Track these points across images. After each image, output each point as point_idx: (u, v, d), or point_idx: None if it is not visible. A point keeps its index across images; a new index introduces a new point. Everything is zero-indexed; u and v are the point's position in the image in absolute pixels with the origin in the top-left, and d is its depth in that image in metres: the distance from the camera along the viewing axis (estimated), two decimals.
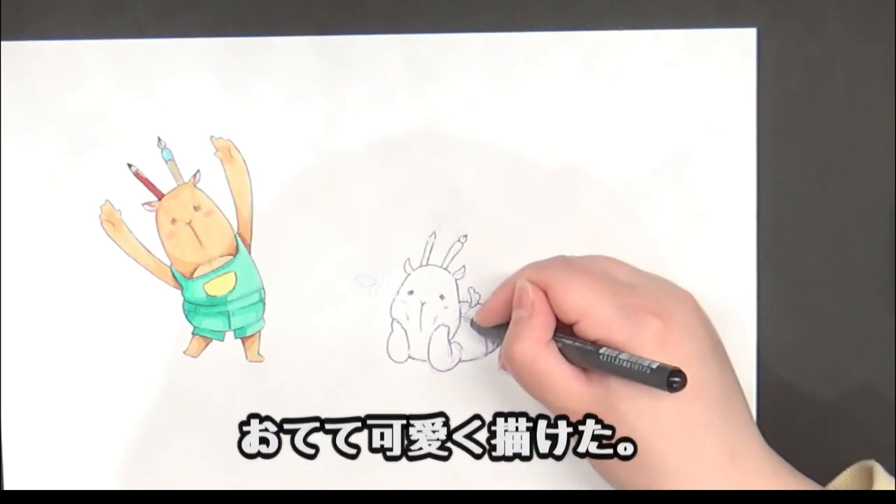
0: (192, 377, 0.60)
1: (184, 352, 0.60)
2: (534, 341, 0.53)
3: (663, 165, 0.59)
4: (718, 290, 0.59)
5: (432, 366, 0.60)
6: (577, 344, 0.53)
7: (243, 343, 0.60)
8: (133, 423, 0.60)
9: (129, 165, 0.59)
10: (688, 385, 0.48)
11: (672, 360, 0.49)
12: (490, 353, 0.60)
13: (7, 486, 0.60)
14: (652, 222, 0.59)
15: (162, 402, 0.60)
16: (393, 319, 0.60)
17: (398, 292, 0.60)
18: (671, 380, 0.48)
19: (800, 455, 0.55)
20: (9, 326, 0.59)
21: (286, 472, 0.60)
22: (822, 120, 0.59)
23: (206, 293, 0.60)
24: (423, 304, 0.60)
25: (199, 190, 0.60)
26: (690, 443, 0.51)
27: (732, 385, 0.53)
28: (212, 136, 0.59)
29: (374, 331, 0.60)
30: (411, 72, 0.59)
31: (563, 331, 0.54)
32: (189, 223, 0.60)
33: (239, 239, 0.60)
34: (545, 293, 0.54)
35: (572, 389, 0.52)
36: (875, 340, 0.60)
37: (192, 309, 0.60)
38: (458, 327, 0.60)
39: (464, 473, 0.60)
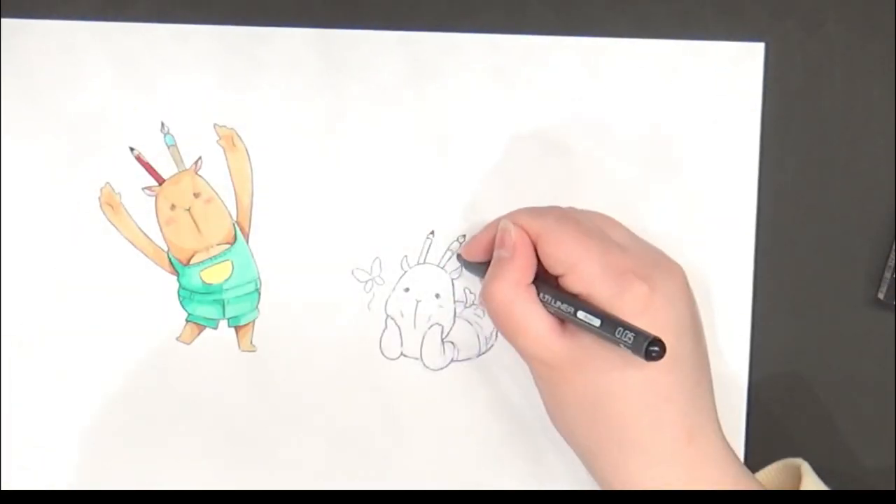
0: (185, 364, 0.60)
1: (177, 338, 0.60)
2: (512, 283, 0.52)
3: (664, 165, 0.59)
4: (716, 290, 0.59)
5: (424, 364, 0.60)
6: (557, 302, 0.52)
7: (237, 332, 0.60)
8: (124, 410, 0.60)
9: (132, 149, 0.59)
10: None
11: (650, 328, 0.48)
12: (483, 353, 0.60)
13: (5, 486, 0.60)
14: (652, 222, 0.59)
15: (154, 388, 0.60)
16: (387, 316, 0.60)
17: (394, 289, 0.60)
18: (650, 349, 0.47)
19: (798, 454, 0.55)
20: (8, 313, 0.60)
21: (286, 473, 0.60)
22: (822, 120, 0.59)
23: (202, 280, 0.60)
24: (418, 302, 0.60)
25: (200, 177, 0.59)
26: (652, 415, 0.50)
27: (703, 366, 0.53)
28: (215, 124, 0.59)
29: (368, 327, 0.60)
30: (412, 70, 0.59)
31: (550, 282, 0.53)
32: (188, 210, 0.59)
33: (237, 228, 0.59)
34: (536, 241, 0.53)
35: (544, 339, 0.52)
36: (874, 340, 0.60)
37: (187, 296, 0.60)
38: (452, 326, 0.60)
39: (463, 473, 0.60)
